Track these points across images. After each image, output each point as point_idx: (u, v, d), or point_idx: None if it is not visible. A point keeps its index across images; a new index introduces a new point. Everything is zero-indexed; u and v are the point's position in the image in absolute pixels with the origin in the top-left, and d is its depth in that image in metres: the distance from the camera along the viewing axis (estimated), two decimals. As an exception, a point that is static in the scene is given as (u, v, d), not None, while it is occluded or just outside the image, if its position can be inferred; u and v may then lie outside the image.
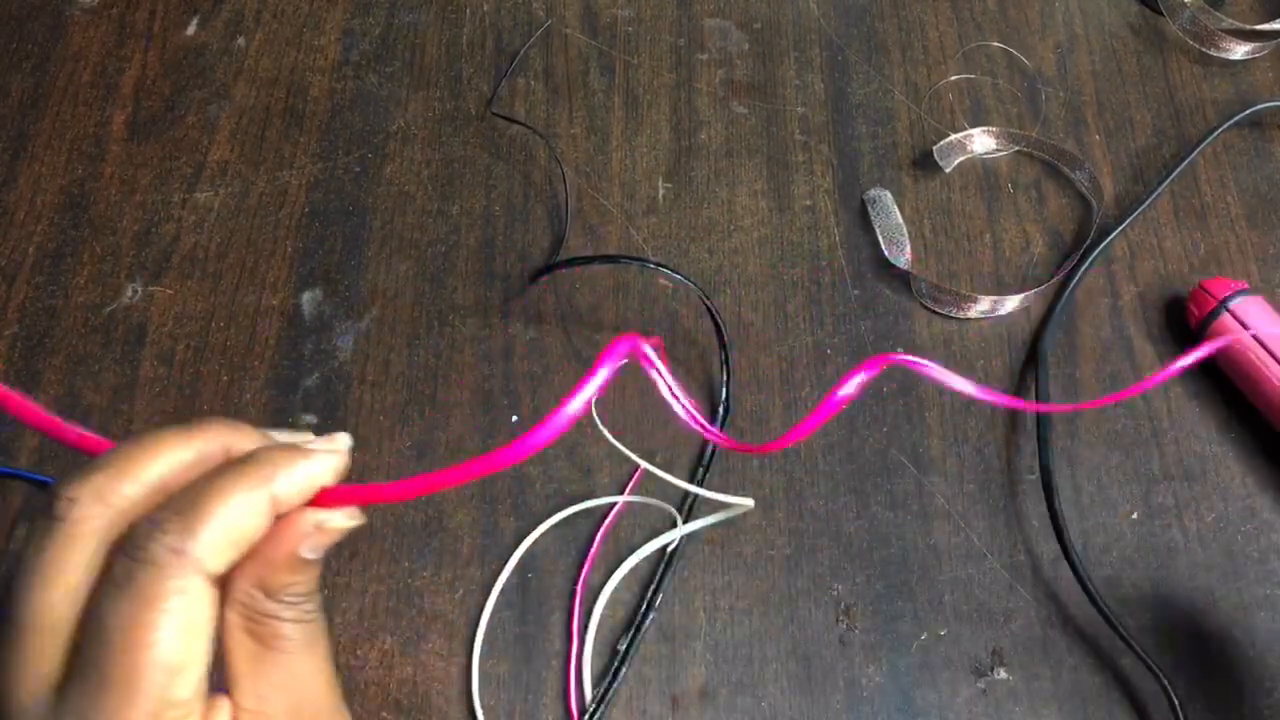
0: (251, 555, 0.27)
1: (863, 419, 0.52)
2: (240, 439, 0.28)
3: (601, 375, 0.28)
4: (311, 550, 0.27)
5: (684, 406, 0.31)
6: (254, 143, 0.59)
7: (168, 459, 0.27)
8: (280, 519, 0.27)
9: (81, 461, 0.27)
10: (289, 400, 0.52)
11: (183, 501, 0.25)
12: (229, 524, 0.25)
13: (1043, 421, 0.50)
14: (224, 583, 0.26)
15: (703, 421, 0.31)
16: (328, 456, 0.28)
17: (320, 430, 0.52)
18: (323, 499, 0.28)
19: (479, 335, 0.54)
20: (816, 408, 0.31)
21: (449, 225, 0.57)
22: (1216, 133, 0.59)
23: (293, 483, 0.27)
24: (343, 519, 0.28)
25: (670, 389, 0.30)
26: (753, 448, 0.35)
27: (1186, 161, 0.58)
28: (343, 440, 0.29)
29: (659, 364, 0.30)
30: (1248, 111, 0.59)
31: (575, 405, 0.27)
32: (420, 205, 0.58)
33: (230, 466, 0.27)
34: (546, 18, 0.64)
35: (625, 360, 0.29)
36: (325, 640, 0.29)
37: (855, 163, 0.59)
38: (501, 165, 0.59)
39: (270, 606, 0.27)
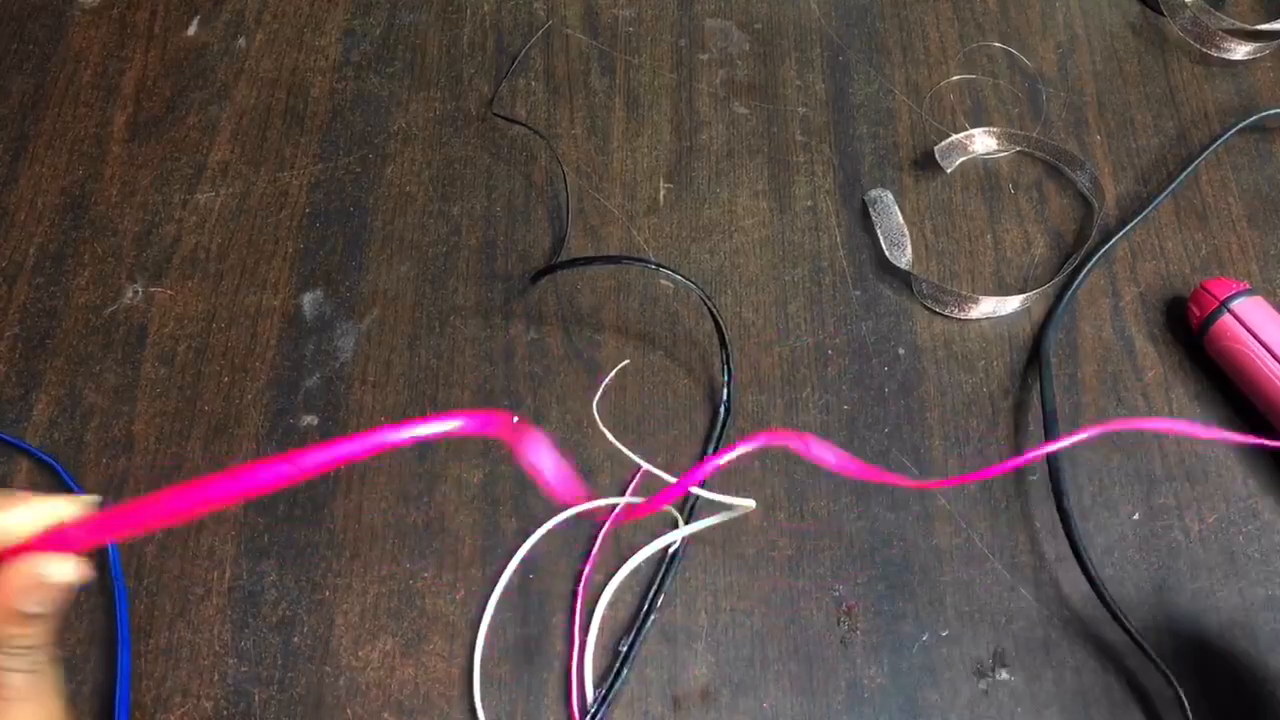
0: None
1: (864, 420, 0.52)
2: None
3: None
4: (36, 605, 0.28)
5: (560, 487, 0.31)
6: (255, 143, 0.59)
7: None
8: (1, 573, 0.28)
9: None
10: (290, 401, 0.52)
11: None
12: None
13: (1050, 423, 0.50)
14: None
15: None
16: (55, 502, 0.28)
17: (320, 430, 0.52)
18: (53, 540, 0.28)
19: (480, 336, 0.54)
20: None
21: (450, 226, 0.57)
22: (1220, 140, 0.59)
23: (14, 517, 0.28)
24: (62, 572, 0.28)
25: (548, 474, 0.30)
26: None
27: (1190, 168, 0.58)
28: (90, 499, 0.29)
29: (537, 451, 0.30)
30: (1251, 119, 0.59)
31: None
32: (421, 206, 0.58)
33: None
34: (547, 18, 0.64)
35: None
36: (55, 692, 0.29)
37: (856, 163, 0.59)
38: (502, 166, 0.59)
39: None
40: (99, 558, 0.48)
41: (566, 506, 0.33)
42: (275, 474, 0.27)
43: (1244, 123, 0.59)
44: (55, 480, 0.50)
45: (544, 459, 0.30)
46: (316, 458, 0.27)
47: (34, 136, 0.59)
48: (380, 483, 0.50)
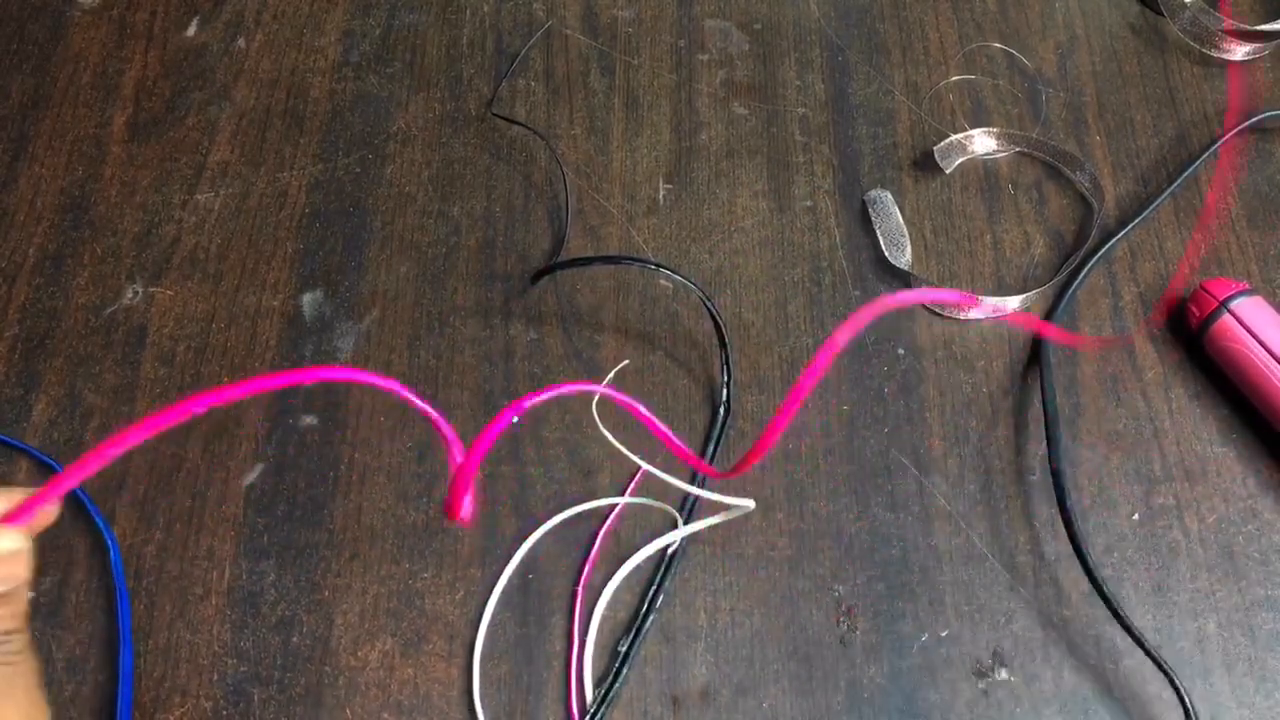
0: None
1: (863, 420, 0.52)
2: None
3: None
4: None
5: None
6: (254, 144, 0.59)
7: None
8: None
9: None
10: (289, 402, 0.52)
11: None
12: None
13: (1051, 423, 0.50)
14: None
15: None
16: (12, 490, 0.28)
17: (320, 430, 0.52)
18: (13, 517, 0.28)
19: (479, 336, 0.54)
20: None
21: (449, 226, 0.57)
22: (1220, 141, 0.58)
23: None
24: (7, 542, 0.28)
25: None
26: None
27: (1191, 169, 0.58)
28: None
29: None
30: (1252, 120, 0.59)
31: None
32: (421, 206, 0.58)
33: None
34: (547, 18, 0.64)
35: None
36: (30, 683, 0.28)
37: (856, 163, 0.59)
38: (502, 166, 0.59)
39: None
40: (99, 559, 0.48)
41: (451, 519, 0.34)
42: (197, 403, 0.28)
43: (1244, 124, 0.59)
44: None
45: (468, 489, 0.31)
46: (233, 391, 0.28)
47: (34, 137, 0.59)
48: (380, 483, 0.50)
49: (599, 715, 0.45)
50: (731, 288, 0.56)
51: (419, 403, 0.31)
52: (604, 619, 0.48)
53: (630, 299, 0.55)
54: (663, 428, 0.33)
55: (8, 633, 0.28)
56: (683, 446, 0.33)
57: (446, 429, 0.32)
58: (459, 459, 0.32)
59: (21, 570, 0.28)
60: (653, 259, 0.55)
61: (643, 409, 0.33)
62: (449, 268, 0.56)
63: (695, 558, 0.49)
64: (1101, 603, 0.46)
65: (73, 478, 0.28)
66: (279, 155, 0.59)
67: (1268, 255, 0.56)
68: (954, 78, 0.62)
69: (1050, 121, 0.60)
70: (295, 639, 0.47)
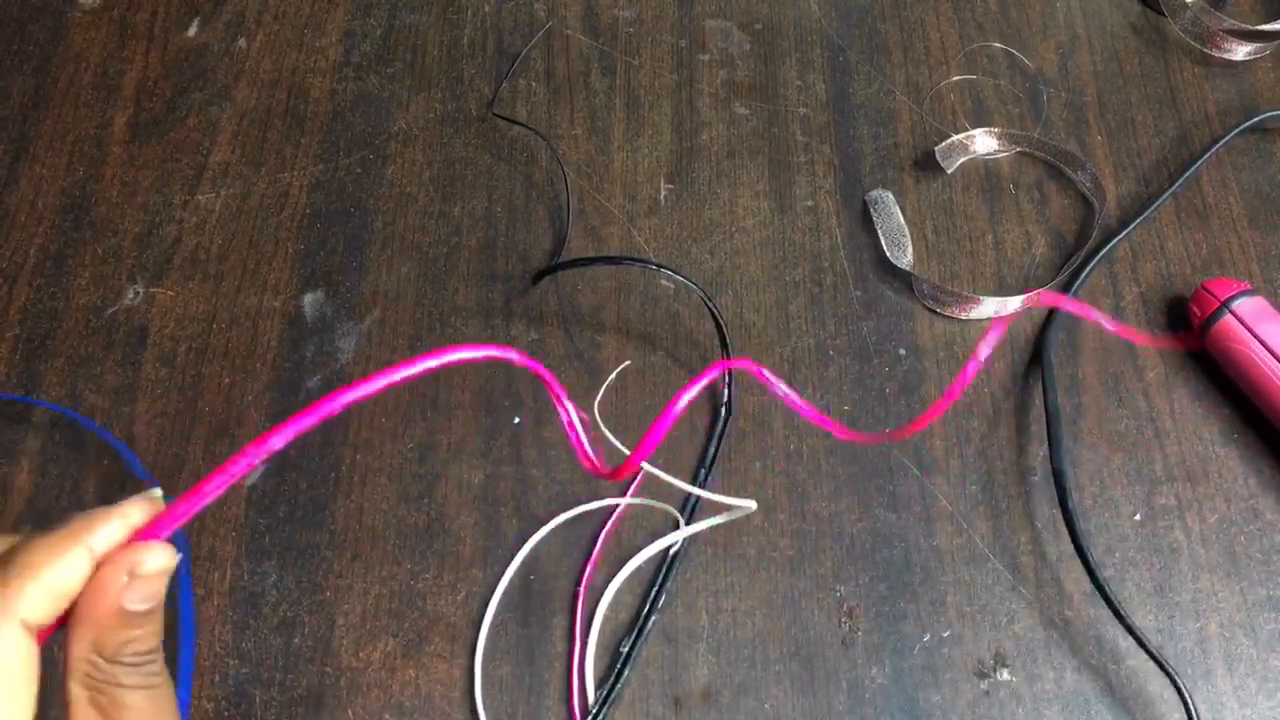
0: (82, 618, 0.27)
1: (865, 420, 0.52)
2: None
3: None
4: (138, 601, 0.27)
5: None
6: (255, 144, 0.59)
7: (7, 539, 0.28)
8: (97, 573, 0.27)
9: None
10: (290, 402, 0.52)
11: (3, 559, 0.26)
12: (41, 572, 0.26)
13: (1053, 423, 0.50)
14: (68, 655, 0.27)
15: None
16: (137, 503, 0.28)
17: (320, 430, 0.52)
18: (140, 536, 0.28)
19: (481, 337, 0.54)
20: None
21: (450, 227, 0.57)
22: (1221, 141, 0.58)
23: (107, 532, 0.27)
24: (159, 559, 0.27)
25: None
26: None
27: (1193, 169, 0.58)
28: (155, 492, 0.29)
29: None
30: (1253, 120, 0.59)
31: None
32: (422, 206, 0.58)
33: (50, 529, 0.27)
34: (548, 19, 0.64)
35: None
36: (172, 707, 0.28)
37: (857, 163, 0.59)
38: (503, 166, 0.59)
39: (109, 670, 0.27)
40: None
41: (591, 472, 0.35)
42: (314, 416, 0.28)
43: (1246, 124, 0.59)
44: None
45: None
46: (349, 395, 0.28)
47: (34, 137, 0.59)
48: (381, 484, 0.50)
49: (601, 716, 0.45)
50: (733, 288, 0.56)
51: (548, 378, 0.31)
52: (605, 619, 0.48)
53: (631, 299, 0.55)
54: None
55: (149, 653, 0.27)
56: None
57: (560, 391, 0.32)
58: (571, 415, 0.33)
59: (163, 588, 0.28)
60: (654, 259, 0.55)
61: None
62: (450, 268, 0.56)
63: (697, 558, 0.49)
64: (1103, 603, 0.46)
65: (215, 488, 0.28)
66: (280, 155, 0.59)
67: (1269, 255, 0.56)
68: (955, 78, 0.62)
69: (1051, 121, 0.60)
70: (297, 640, 0.47)
